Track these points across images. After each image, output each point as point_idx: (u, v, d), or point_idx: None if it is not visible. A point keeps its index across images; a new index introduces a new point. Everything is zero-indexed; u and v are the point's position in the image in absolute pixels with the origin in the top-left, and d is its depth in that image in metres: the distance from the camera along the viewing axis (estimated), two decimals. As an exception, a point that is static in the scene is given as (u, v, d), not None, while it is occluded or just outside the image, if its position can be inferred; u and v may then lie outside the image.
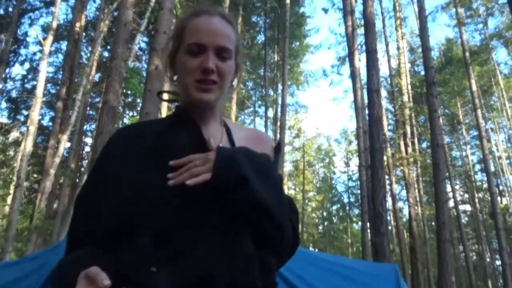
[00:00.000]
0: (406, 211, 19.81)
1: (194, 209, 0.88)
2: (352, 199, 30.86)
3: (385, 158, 14.84)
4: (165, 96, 1.22)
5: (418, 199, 18.49)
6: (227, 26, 1.00)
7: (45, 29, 15.01)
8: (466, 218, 26.63)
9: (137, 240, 0.85)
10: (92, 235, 0.90)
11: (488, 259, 24.15)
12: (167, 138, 0.99)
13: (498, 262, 22.71)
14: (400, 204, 20.75)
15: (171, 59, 1.04)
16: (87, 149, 17.55)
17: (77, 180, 12.78)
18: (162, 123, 1.06)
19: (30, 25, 16.54)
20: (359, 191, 15.10)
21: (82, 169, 15.28)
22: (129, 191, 0.90)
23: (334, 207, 33.62)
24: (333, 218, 33.32)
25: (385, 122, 15.48)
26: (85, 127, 16.90)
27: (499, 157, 24.07)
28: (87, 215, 0.94)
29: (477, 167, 24.87)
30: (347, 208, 31.37)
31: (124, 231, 0.88)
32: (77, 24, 13.42)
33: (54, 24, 11.84)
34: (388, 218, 16.59)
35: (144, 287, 0.81)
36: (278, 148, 1.10)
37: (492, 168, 20.50)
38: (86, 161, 15.78)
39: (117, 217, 0.89)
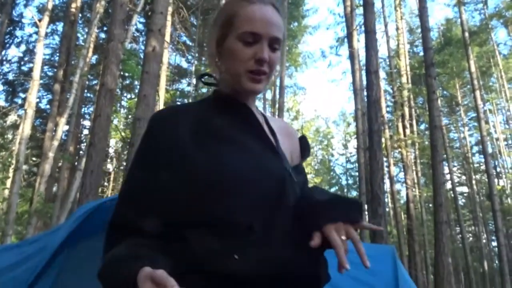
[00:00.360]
0: (403, 193, 19.95)
1: (274, 196, 0.89)
2: (350, 181, 31.03)
3: (383, 140, 14.85)
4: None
5: (415, 181, 18.59)
6: (277, 15, 1.00)
7: (41, 10, 14.75)
8: (463, 200, 26.84)
9: (213, 229, 0.83)
10: (150, 225, 0.86)
11: (484, 240, 24.44)
12: (220, 121, 0.97)
13: (494, 243, 23.02)
14: (398, 186, 20.88)
15: (217, 44, 1.01)
16: (86, 132, 17.51)
17: (76, 163, 12.78)
18: (201, 107, 1.03)
19: (25, 6, 16.24)
20: (357, 173, 15.16)
21: (81, 152, 15.28)
22: (198, 175, 0.88)
23: (332, 189, 33.82)
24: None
25: (383, 104, 15.43)
26: (83, 110, 16.82)
27: (497, 139, 24.13)
28: (143, 202, 0.89)
29: (475, 148, 24.94)
30: (345, 190, 31.55)
31: (192, 220, 0.85)
32: (73, 5, 13.20)
33: (50, 5, 11.67)
34: (386, 200, 16.71)
35: (225, 275, 0.80)
36: (306, 142, 1.14)
37: (490, 150, 20.59)
38: (85, 144, 15.77)
39: (186, 205, 0.87)
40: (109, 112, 6.45)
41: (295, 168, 1.01)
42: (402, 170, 18.96)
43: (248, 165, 0.90)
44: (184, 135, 0.92)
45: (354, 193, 29.14)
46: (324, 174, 32.22)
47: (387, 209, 17.50)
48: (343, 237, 0.83)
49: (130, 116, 15.35)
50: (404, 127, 17.29)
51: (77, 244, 2.16)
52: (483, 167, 21.70)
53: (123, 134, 14.63)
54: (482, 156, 18.70)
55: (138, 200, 0.89)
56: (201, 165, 0.88)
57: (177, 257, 0.81)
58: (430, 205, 19.77)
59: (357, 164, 13.95)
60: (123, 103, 17.99)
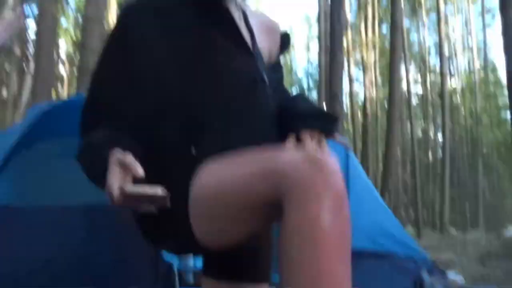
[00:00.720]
0: (362, 95, 20.52)
1: (241, 98, 0.89)
2: (311, 84, 31.32)
3: (345, 41, 14.74)
4: None
5: (374, 82, 19.05)
6: None
7: None
8: (417, 99, 28.06)
9: (177, 124, 0.84)
10: (122, 112, 0.87)
11: (431, 134, 26.28)
12: (191, 17, 0.91)
13: (439, 137, 24.80)
14: (356, 87, 21.38)
15: None
16: (32, 34, 16.13)
17: (24, 65, 12.01)
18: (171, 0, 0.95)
19: None
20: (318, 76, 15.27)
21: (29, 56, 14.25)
22: (162, 73, 0.86)
23: (294, 91, 34.14)
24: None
25: (347, 7, 15.02)
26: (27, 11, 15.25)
27: (455, 41, 24.56)
28: (115, 91, 0.89)
29: (433, 50, 25.37)
30: (306, 92, 31.98)
31: (157, 115, 0.85)
32: None
33: None
34: (344, 100, 17.19)
35: (185, 166, 0.82)
36: (287, 41, 1.09)
37: (447, 52, 21.04)
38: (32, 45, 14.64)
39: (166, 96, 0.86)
40: (53, 11, 5.94)
41: (272, 67, 1.00)
42: (362, 71, 19.26)
43: (216, 64, 0.88)
44: (153, 29, 0.88)
45: (314, 95, 29.65)
46: (286, 76, 32.15)
47: (344, 109, 18.12)
48: (314, 144, 0.87)
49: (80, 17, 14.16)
50: (366, 29, 17.14)
51: (33, 145, 2.11)
52: (438, 69, 22.36)
53: (73, 36, 13.63)
54: (438, 57, 19.15)
55: (110, 88, 0.90)
56: (167, 62, 0.86)
57: (146, 145, 0.84)
58: (386, 105, 20.60)
59: (318, 66, 13.98)
60: (72, 3, 16.44)
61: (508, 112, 19.61)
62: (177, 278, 2.05)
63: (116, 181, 0.73)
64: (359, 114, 19.92)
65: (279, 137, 0.90)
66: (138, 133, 0.85)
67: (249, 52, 0.93)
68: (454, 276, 1.64)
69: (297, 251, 0.61)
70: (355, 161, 3.10)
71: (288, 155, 0.67)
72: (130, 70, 0.88)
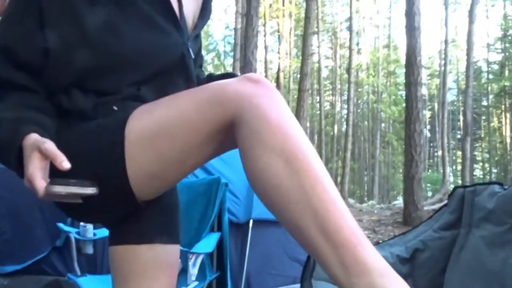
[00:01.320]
0: (276, 64, 20.81)
1: (168, 73, 0.85)
2: (227, 49, 31.00)
3: (262, 8, 14.63)
4: None
5: (288, 51, 19.39)
6: None
7: None
8: (327, 72, 29.35)
9: (99, 93, 0.79)
10: (32, 79, 0.78)
11: (338, 108, 27.88)
12: None
13: (344, 111, 26.42)
14: (271, 56, 21.59)
15: None
16: None
17: None
18: None
19: None
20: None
21: None
22: (89, 40, 0.77)
23: (210, 56, 33.59)
24: (208, 66, 33.55)
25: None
26: None
27: (364, 17, 25.89)
28: (24, 56, 0.76)
29: (344, 25, 26.49)
30: (222, 57, 31.64)
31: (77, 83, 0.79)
32: None
33: None
34: (258, 68, 17.28)
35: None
36: (209, 3, 1.02)
37: (356, 27, 22.10)
38: None
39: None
40: None
41: (194, 37, 0.95)
42: (277, 40, 19.45)
43: (146, 38, 0.81)
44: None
45: (230, 60, 29.45)
46: (202, 39, 31.42)
47: (259, 78, 18.25)
48: None
49: None
50: (283, -4, 17.19)
51: None
52: (347, 43, 23.49)
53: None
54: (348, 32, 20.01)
55: (18, 53, 0.77)
56: (93, 30, 0.77)
57: (59, 112, 0.79)
58: (298, 75, 21.20)
59: (234, 30, 13.73)
60: None
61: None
62: (74, 249, 1.96)
63: (38, 172, 0.67)
64: (273, 83, 20.22)
65: None
66: (50, 100, 0.80)
67: (177, 24, 0.87)
68: None
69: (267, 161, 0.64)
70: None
71: (231, 83, 0.70)
72: (46, 33, 0.77)
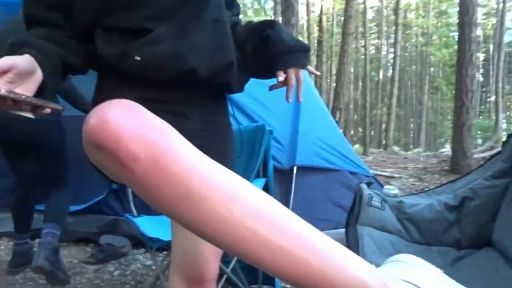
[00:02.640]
0: (318, 6, 19.88)
1: (186, 8, 0.88)
2: (267, -8, 29.86)
3: None
4: None
5: (331, -8, 18.36)
6: None
7: None
8: (373, 14, 27.77)
9: (117, 34, 0.85)
10: (57, 18, 0.86)
11: (384, 52, 26.61)
12: None
13: (391, 55, 25.17)
14: (313, -3, 20.59)
15: None
16: None
17: None
18: None
19: None
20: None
21: None
22: None
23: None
24: (247, 11, 32.66)
25: None
26: None
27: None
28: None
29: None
30: (262, 0, 30.62)
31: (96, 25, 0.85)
32: None
33: None
34: (300, 11, 16.59)
35: (128, 74, 0.85)
36: None
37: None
38: None
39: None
40: None
41: (230, 1, 1.01)
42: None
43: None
44: None
45: (270, 3, 28.44)
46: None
47: (300, 22, 17.62)
48: (294, 77, 1.00)
49: None
50: None
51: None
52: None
53: None
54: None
55: None
56: None
57: (86, 56, 0.87)
58: (342, 18, 20.22)
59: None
60: None
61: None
62: (130, 191, 2.04)
63: None
64: (315, 27, 19.49)
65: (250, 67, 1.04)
66: (77, 44, 0.88)
67: None
68: (389, 189, 1.70)
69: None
70: (307, 78, 3.03)
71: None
72: None
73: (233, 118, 1.11)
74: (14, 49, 0.77)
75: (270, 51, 1.01)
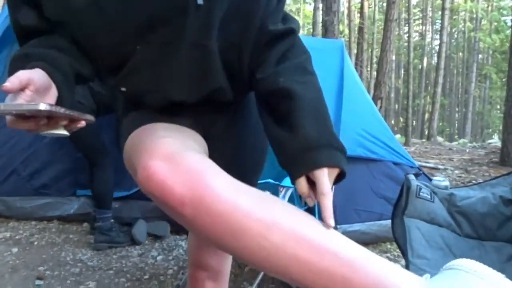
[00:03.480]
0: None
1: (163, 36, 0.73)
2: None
3: None
4: None
5: (373, -23, 17.79)
6: None
7: None
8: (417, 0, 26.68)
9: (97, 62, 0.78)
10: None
11: (428, 39, 25.55)
12: None
13: (436, 42, 24.13)
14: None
15: None
16: None
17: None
18: None
19: None
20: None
21: None
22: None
23: None
24: (286, -1, 32.24)
25: None
26: None
27: None
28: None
29: None
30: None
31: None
32: None
33: None
34: (341, -2, 16.20)
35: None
36: None
37: None
38: None
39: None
40: None
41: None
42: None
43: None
44: None
45: (309, -8, 27.93)
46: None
47: (342, 8, 17.22)
48: (327, 183, 0.69)
49: None
50: None
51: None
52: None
53: None
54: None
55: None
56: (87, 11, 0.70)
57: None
58: (384, 4, 19.55)
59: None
60: None
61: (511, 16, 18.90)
62: None
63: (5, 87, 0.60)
64: (356, 14, 18.99)
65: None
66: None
67: None
68: (439, 180, 1.63)
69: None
70: (349, 64, 2.94)
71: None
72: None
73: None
74: (21, 63, 0.66)
75: (284, 143, 0.73)
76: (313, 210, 2.28)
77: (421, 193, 1.51)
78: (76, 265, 2.13)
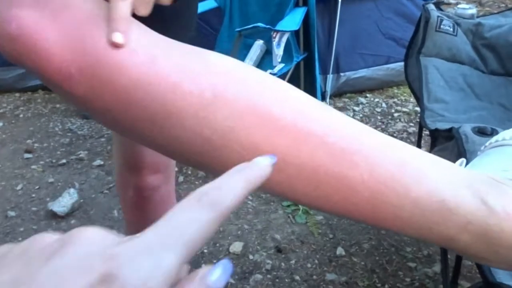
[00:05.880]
0: None
1: None
2: None
3: None
4: None
5: None
6: None
7: None
8: None
9: None
10: None
11: None
12: None
13: None
14: None
15: None
16: None
17: None
18: None
19: None
20: None
21: None
22: None
23: None
24: None
25: None
26: None
27: None
28: None
29: None
30: None
31: None
32: None
33: None
34: None
35: None
36: None
37: None
38: None
39: None
40: None
41: None
42: None
43: None
44: None
45: None
46: None
47: None
48: None
49: None
50: None
51: None
52: None
53: None
54: None
55: None
56: None
57: None
58: None
59: None
60: None
61: None
62: None
63: None
64: None
65: None
66: None
67: None
68: (465, 8, 1.36)
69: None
70: None
71: None
72: None
73: None
74: None
75: None
76: (313, 60, 2.05)
77: (442, 26, 1.26)
78: (65, 135, 2.02)
